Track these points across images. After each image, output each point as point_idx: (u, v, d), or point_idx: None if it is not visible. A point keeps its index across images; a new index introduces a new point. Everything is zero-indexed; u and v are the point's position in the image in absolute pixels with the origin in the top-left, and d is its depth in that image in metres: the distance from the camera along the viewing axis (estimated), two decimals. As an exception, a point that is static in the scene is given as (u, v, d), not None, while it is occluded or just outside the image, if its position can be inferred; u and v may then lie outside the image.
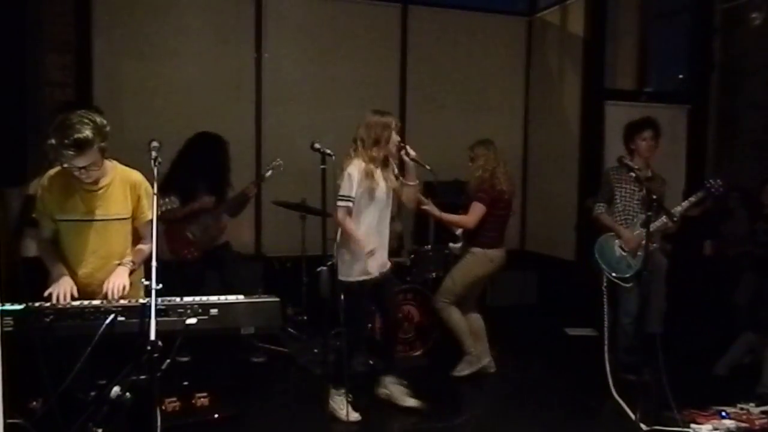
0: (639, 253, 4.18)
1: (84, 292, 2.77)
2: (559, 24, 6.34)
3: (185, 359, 4.22)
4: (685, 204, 4.14)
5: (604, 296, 4.30)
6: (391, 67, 6.24)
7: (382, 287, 3.88)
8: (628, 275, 4.26)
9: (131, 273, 2.83)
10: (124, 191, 2.86)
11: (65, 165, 2.64)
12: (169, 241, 4.41)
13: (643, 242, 4.16)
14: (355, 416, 3.71)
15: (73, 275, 2.81)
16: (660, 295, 4.41)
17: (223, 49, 5.68)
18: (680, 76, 6.57)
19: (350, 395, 3.76)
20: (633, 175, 3.92)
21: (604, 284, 4.30)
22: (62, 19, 5.02)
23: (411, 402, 3.90)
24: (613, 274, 4.28)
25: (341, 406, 3.73)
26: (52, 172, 2.83)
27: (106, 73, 5.29)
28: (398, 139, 3.76)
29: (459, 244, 4.68)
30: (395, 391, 3.95)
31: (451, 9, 6.46)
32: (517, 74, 6.71)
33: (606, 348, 4.18)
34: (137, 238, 2.97)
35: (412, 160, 3.78)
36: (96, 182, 2.78)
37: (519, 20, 6.73)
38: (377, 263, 3.75)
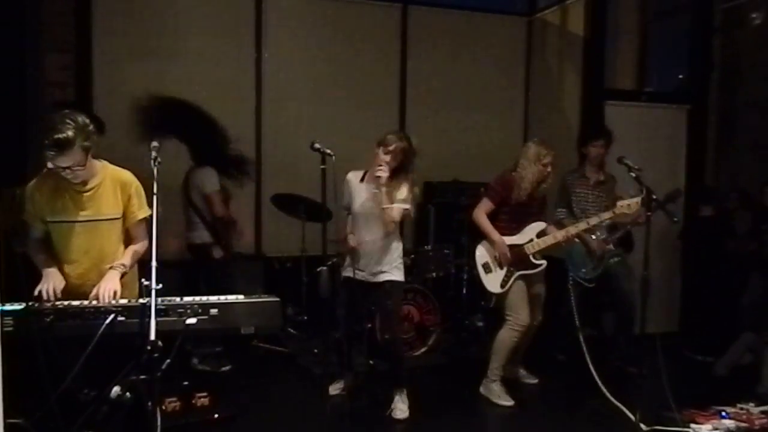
0: (604, 256, 4.40)
1: (77, 293, 2.77)
2: (559, 24, 6.33)
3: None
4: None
5: (571, 295, 4.43)
6: (391, 67, 6.23)
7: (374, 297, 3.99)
8: (590, 276, 4.43)
9: (123, 275, 2.82)
10: (115, 191, 2.84)
11: (50, 166, 2.64)
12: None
13: (608, 246, 4.30)
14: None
15: (66, 276, 2.81)
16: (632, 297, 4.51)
17: (223, 49, 5.68)
18: (680, 76, 6.57)
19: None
20: (633, 175, 3.86)
21: (570, 283, 4.42)
22: (62, 19, 5.02)
23: (402, 414, 3.87)
24: (579, 274, 4.44)
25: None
26: (42, 173, 2.82)
27: (106, 73, 5.28)
28: (385, 160, 3.70)
29: None
30: (395, 404, 3.91)
31: (451, 9, 6.45)
32: (517, 74, 6.70)
33: (584, 350, 4.24)
34: (129, 239, 2.96)
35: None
36: (85, 183, 2.78)
37: (519, 20, 6.72)
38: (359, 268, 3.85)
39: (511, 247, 4.15)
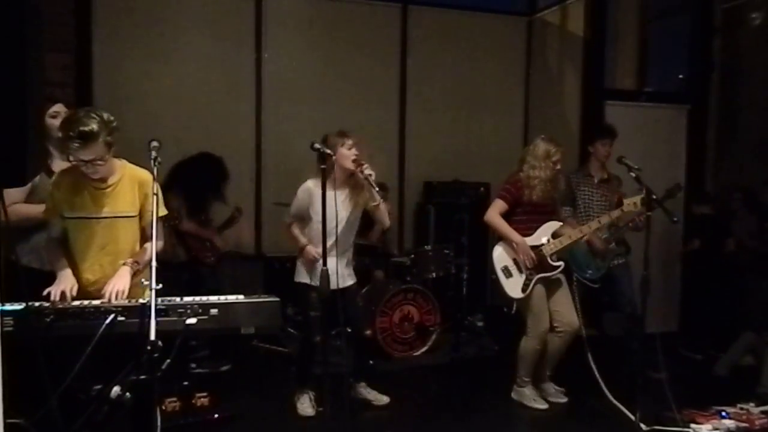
0: (607, 255, 4.36)
1: (92, 290, 2.78)
2: (559, 24, 6.34)
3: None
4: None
5: (575, 296, 4.29)
6: (391, 67, 6.24)
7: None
8: (595, 277, 4.38)
9: (136, 273, 2.83)
10: (133, 189, 2.88)
11: (71, 159, 2.67)
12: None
13: (611, 246, 4.34)
14: (310, 412, 3.83)
15: (81, 273, 2.83)
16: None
17: (223, 49, 5.68)
18: (680, 76, 6.57)
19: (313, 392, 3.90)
20: (633, 175, 3.86)
21: (574, 284, 4.33)
22: (62, 19, 5.01)
23: (384, 399, 4.01)
24: (583, 275, 4.38)
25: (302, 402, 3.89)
26: (61, 169, 2.84)
27: (106, 73, 5.29)
28: (354, 154, 3.59)
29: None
30: (369, 394, 4.04)
31: (451, 9, 6.46)
32: (517, 74, 6.71)
33: (587, 349, 4.21)
34: (145, 237, 2.97)
35: (364, 179, 3.52)
36: (104, 180, 2.81)
37: (519, 20, 6.73)
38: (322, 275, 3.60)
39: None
